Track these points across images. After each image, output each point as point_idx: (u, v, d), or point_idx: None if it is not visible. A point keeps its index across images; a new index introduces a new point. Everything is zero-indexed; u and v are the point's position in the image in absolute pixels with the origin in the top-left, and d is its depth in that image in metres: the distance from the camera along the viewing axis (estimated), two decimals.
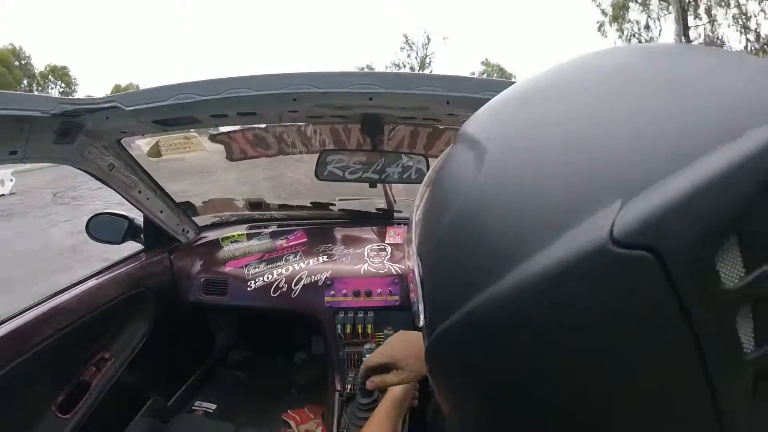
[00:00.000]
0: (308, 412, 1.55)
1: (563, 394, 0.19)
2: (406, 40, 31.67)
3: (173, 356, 1.57)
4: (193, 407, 1.59)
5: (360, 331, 1.31)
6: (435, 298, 0.25)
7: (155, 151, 1.22)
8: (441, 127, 1.26)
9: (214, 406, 1.61)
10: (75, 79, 33.48)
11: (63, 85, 32.47)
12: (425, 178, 0.34)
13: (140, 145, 1.21)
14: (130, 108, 0.83)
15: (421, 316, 0.27)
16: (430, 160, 1.28)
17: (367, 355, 1.14)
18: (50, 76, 32.10)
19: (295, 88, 0.82)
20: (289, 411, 1.55)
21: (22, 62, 30.54)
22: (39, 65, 32.20)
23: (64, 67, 33.08)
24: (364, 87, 0.81)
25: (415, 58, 31.31)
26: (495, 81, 0.82)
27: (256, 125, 1.29)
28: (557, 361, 0.19)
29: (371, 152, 1.27)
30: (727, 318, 0.15)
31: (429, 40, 31.37)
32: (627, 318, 0.17)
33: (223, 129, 1.33)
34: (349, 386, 1.31)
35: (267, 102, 0.88)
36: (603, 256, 0.16)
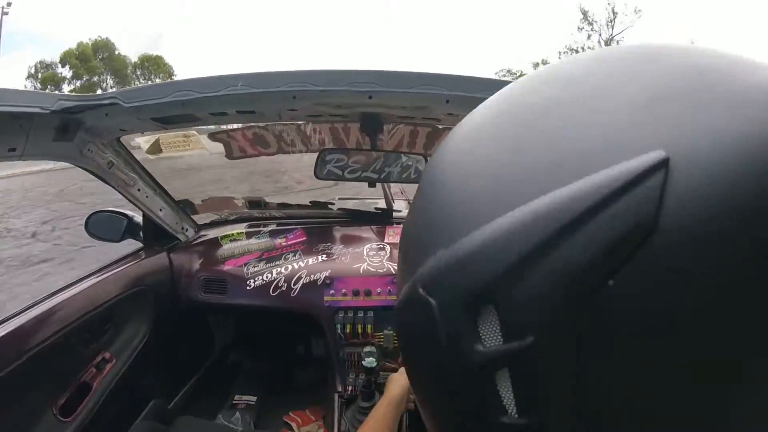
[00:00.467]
0: (310, 414, 1.54)
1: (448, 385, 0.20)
2: (585, 17, 24.94)
3: (173, 356, 1.57)
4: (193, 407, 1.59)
5: (360, 330, 1.31)
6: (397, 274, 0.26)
7: (155, 149, 1.22)
8: (440, 126, 1.26)
9: (214, 407, 1.61)
10: (170, 67, 33.10)
11: (162, 74, 32.15)
12: None
13: (140, 143, 1.21)
14: (130, 104, 0.83)
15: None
16: (429, 159, 1.28)
17: (366, 358, 1.13)
18: (145, 64, 32.07)
19: (295, 86, 0.82)
20: (290, 413, 1.55)
21: (115, 53, 31.03)
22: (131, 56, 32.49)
23: (159, 57, 32.83)
24: (363, 85, 0.81)
25: (598, 40, 24.50)
26: (495, 81, 0.81)
27: (255, 124, 1.29)
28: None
29: (370, 151, 1.27)
30: (483, 379, 0.16)
31: (615, 15, 24.31)
32: (427, 345, 0.19)
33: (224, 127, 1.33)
34: (350, 387, 1.31)
35: (266, 100, 0.88)
36: (414, 294, 0.19)
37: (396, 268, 1.20)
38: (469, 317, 0.16)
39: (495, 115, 0.23)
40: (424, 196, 0.23)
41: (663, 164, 0.14)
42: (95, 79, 29.80)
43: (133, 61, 31.57)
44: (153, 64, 32.19)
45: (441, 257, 0.18)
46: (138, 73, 31.40)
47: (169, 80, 0.84)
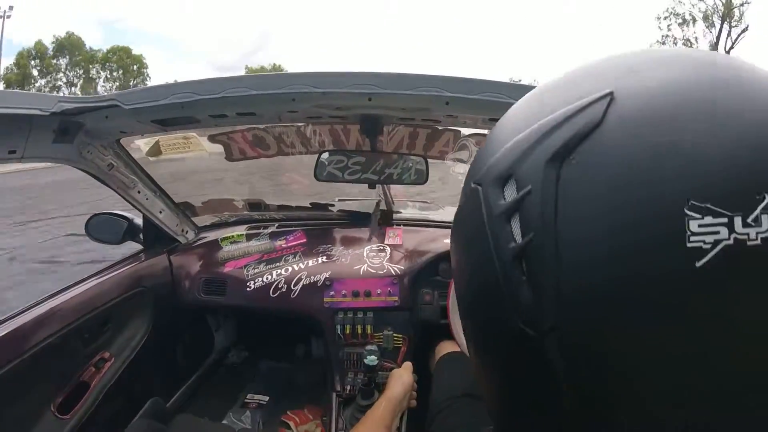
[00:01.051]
0: (307, 413, 1.54)
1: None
2: None
3: (172, 356, 1.57)
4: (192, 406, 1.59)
5: (359, 331, 1.31)
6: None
7: (154, 151, 1.22)
8: (440, 128, 1.27)
9: (212, 407, 1.61)
10: (141, 56, 33.70)
11: (136, 65, 33.04)
12: None
13: (139, 145, 1.21)
14: (129, 107, 0.83)
15: None
16: (429, 161, 1.28)
17: (368, 356, 1.14)
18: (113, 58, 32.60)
19: (295, 88, 0.82)
20: (288, 412, 1.55)
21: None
22: None
23: (127, 48, 33.24)
24: (363, 87, 0.81)
25: None
26: (495, 82, 0.82)
27: (255, 125, 1.29)
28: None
29: (370, 153, 1.27)
30: (503, 219, 0.26)
31: None
32: (471, 222, 0.29)
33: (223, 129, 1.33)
34: (348, 387, 1.31)
35: (266, 102, 0.88)
36: (470, 189, 0.29)
37: (395, 269, 1.20)
38: (499, 187, 0.27)
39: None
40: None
41: (609, 94, 0.24)
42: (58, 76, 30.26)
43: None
44: (124, 54, 32.50)
45: (487, 164, 0.28)
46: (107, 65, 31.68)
47: (170, 82, 0.84)
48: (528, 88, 0.80)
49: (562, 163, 0.24)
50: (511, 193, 0.26)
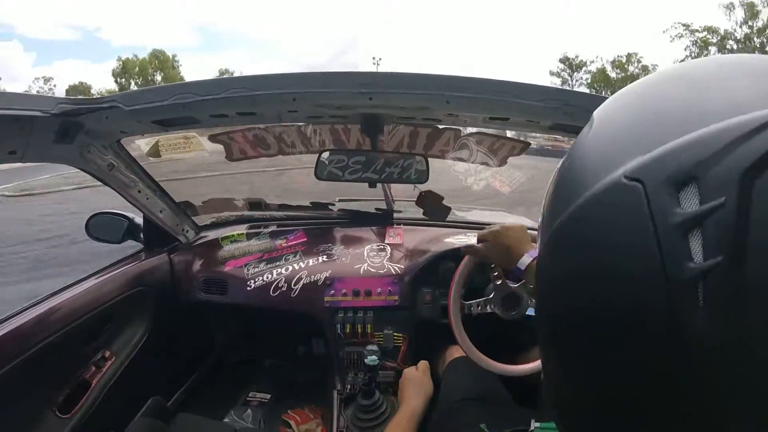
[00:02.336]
0: (308, 413, 1.55)
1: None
2: None
3: (173, 356, 1.57)
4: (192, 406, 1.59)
5: (360, 330, 1.31)
6: (539, 230, 0.32)
7: (155, 151, 1.22)
8: (440, 127, 1.26)
9: (213, 406, 1.61)
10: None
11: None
12: None
13: (140, 145, 1.21)
14: (130, 108, 0.83)
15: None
16: (429, 160, 1.28)
17: (369, 356, 1.14)
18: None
19: (295, 88, 0.82)
20: (289, 411, 1.55)
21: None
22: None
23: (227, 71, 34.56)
24: (363, 87, 0.81)
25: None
26: (496, 81, 0.81)
27: (255, 125, 1.29)
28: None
29: (370, 152, 1.27)
30: (680, 232, 0.22)
31: None
32: (624, 228, 0.24)
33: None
34: (349, 386, 1.31)
35: (266, 102, 0.88)
36: (616, 186, 0.25)
37: (396, 268, 1.19)
38: (674, 191, 0.23)
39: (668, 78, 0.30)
40: (626, 116, 0.29)
41: None
42: None
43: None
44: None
45: (651, 155, 0.24)
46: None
47: (172, 83, 0.84)
48: (529, 88, 0.80)
49: (758, 176, 0.21)
50: (692, 202, 0.22)
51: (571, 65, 33.56)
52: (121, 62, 34.06)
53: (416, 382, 0.97)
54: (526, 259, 0.83)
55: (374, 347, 1.16)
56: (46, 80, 34.74)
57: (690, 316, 0.21)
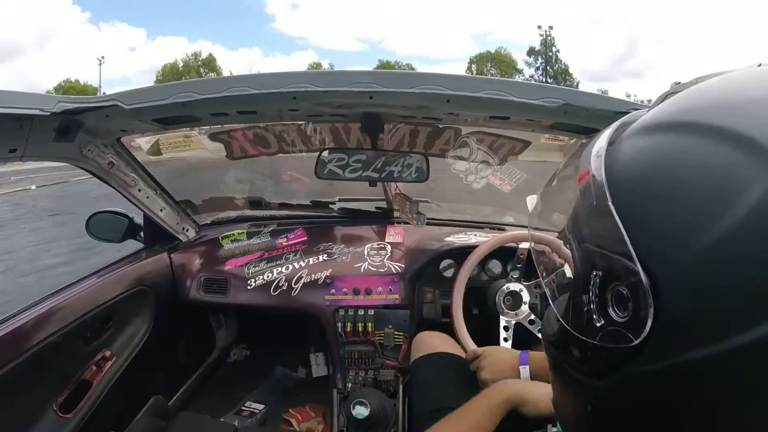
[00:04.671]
0: (309, 411, 1.55)
1: None
2: None
3: (174, 355, 1.57)
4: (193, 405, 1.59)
5: (360, 329, 1.31)
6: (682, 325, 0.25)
7: (155, 150, 1.22)
8: (441, 126, 1.26)
9: (214, 405, 1.62)
10: None
11: None
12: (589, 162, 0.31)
13: (140, 144, 1.21)
14: (130, 106, 0.83)
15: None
16: (429, 159, 1.28)
17: (356, 407, 1.07)
18: None
19: (296, 86, 0.82)
20: (290, 410, 1.55)
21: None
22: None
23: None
24: (364, 86, 0.81)
25: None
26: (496, 80, 0.81)
27: (256, 124, 1.29)
28: None
29: (371, 151, 1.27)
30: None
31: None
32: None
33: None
34: (349, 385, 1.31)
35: (267, 101, 0.88)
36: None
37: (396, 267, 1.19)
38: None
39: None
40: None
41: None
42: None
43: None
44: None
45: None
46: None
47: (172, 82, 0.84)
48: (529, 86, 0.80)
49: None
50: None
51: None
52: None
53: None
54: (524, 373, 0.82)
55: (362, 399, 1.08)
56: None
57: None
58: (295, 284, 1.37)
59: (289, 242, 1.48)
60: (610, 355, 0.28)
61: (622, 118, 0.33)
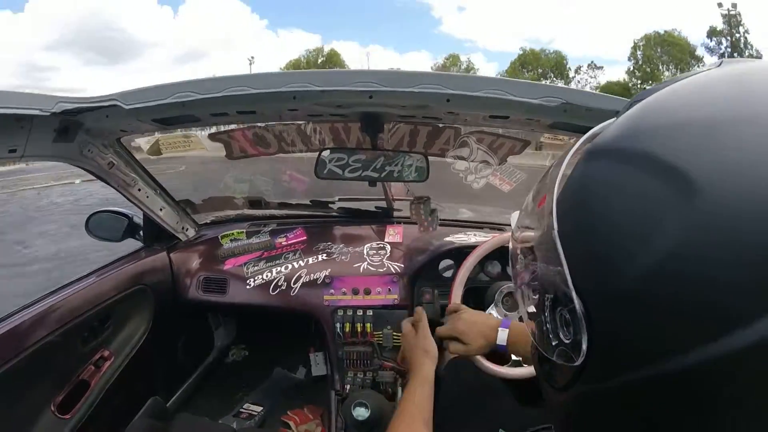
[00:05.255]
0: (307, 413, 1.55)
1: None
2: None
3: (172, 355, 1.57)
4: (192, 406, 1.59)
5: (359, 329, 1.31)
6: (619, 347, 0.25)
7: (155, 150, 1.22)
8: (441, 125, 1.26)
9: (212, 406, 1.61)
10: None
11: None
12: (556, 188, 0.31)
13: (140, 144, 1.21)
14: (130, 106, 0.82)
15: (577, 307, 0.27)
16: (429, 158, 1.28)
17: (357, 408, 1.09)
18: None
19: (295, 86, 0.81)
20: (288, 411, 1.55)
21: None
22: None
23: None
24: (364, 85, 0.81)
25: None
26: (496, 79, 0.81)
27: (255, 124, 1.29)
28: None
29: (371, 151, 1.27)
30: None
31: None
32: None
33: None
34: (348, 386, 1.31)
35: (267, 100, 0.88)
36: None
37: (395, 267, 1.19)
38: None
39: None
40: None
41: None
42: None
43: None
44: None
45: None
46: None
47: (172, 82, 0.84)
48: (529, 86, 0.80)
49: None
50: None
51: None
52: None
53: (419, 347, 0.94)
54: (502, 335, 0.86)
55: (362, 400, 1.08)
56: None
57: None
58: (294, 284, 1.37)
59: (289, 242, 1.48)
60: (562, 372, 0.30)
61: (587, 134, 0.32)
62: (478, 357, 0.98)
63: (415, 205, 1.45)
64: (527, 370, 0.99)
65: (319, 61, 33.75)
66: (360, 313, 1.32)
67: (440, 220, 1.50)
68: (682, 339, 0.22)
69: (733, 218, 0.21)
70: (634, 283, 0.24)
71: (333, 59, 34.06)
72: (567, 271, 0.27)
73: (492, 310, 1.12)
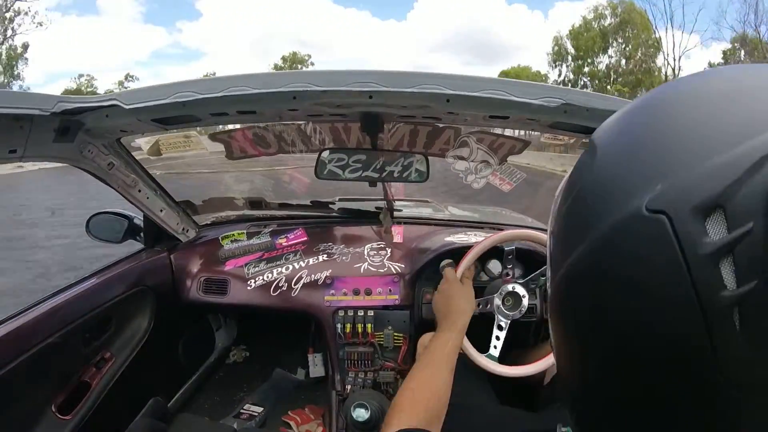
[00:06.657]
0: (308, 413, 1.55)
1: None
2: None
3: (173, 356, 1.57)
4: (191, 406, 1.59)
5: (360, 330, 1.31)
6: (552, 258, 0.32)
7: (155, 150, 1.21)
8: (441, 125, 1.26)
9: (213, 406, 1.61)
10: None
11: None
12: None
13: (140, 144, 1.21)
14: (130, 106, 0.82)
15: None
16: (429, 158, 1.28)
17: (357, 410, 1.10)
18: None
19: (295, 86, 0.81)
20: (289, 412, 1.55)
21: None
22: None
23: None
24: (364, 85, 0.81)
25: None
26: (496, 79, 0.81)
27: (255, 124, 1.29)
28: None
29: (371, 151, 1.27)
30: (711, 262, 0.22)
31: None
32: (651, 261, 0.24)
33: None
34: (348, 386, 1.31)
35: (267, 100, 0.87)
36: (638, 218, 0.24)
37: (396, 267, 1.19)
38: (700, 220, 0.22)
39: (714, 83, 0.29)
40: (648, 137, 0.27)
41: None
42: None
43: None
44: None
45: (672, 184, 0.23)
46: None
47: (172, 81, 0.84)
48: (529, 86, 0.80)
49: None
50: (718, 230, 0.22)
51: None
52: None
53: (463, 297, 0.91)
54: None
55: (363, 402, 1.09)
56: None
57: (728, 342, 0.22)
58: (294, 284, 1.37)
59: (289, 242, 1.48)
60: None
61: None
62: (480, 357, 0.98)
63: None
64: (527, 369, 0.99)
65: None
66: (361, 313, 1.32)
67: (440, 220, 1.50)
68: (572, 243, 0.28)
69: (612, 164, 0.28)
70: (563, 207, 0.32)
71: None
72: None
73: (498, 320, 1.12)
